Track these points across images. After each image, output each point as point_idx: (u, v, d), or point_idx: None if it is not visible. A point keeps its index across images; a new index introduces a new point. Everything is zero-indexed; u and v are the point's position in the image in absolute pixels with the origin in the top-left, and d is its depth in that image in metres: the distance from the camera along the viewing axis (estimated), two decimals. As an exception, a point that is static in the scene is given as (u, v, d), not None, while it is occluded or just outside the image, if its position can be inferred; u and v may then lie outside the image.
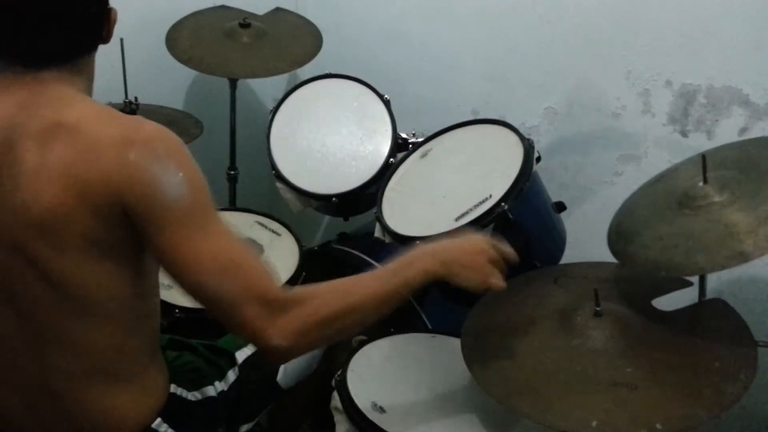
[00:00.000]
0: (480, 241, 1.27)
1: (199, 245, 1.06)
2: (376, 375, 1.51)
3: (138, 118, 1.12)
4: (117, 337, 1.15)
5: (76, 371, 1.14)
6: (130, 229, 1.07)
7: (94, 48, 1.16)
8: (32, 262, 1.07)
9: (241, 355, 1.42)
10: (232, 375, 1.38)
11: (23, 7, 1.07)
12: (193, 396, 1.29)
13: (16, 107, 1.08)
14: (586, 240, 1.88)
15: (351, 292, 1.14)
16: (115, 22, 1.18)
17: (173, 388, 1.26)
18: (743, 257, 1.15)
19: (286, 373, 1.46)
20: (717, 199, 1.25)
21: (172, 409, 1.23)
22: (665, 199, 1.35)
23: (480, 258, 1.24)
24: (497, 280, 1.25)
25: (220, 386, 1.34)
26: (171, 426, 1.22)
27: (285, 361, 1.18)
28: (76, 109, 1.09)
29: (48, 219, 1.04)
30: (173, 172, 1.06)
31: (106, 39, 1.18)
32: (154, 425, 1.20)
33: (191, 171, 1.08)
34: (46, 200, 1.04)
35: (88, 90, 1.17)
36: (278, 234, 1.91)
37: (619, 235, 1.36)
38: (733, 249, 1.16)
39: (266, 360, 1.14)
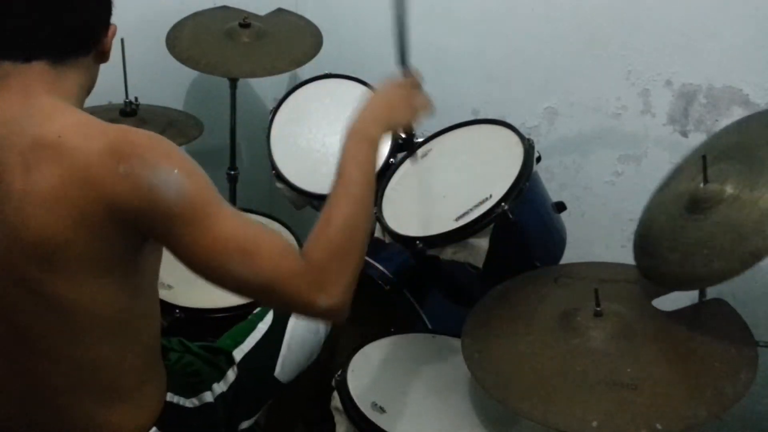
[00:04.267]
0: (393, 83, 1.34)
1: (214, 232, 1.04)
2: (376, 375, 1.51)
3: (122, 127, 1.07)
4: (116, 353, 1.14)
5: (74, 388, 1.13)
6: (131, 242, 1.06)
7: (85, 51, 1.13)
8: (26, 285, 1.04)
9: (239, 353, 1.42)
10: (231, 374, 1.37)
11: None
12: (190, 403, 1.28)
13: (2, 120, 1.05)
14: (586, 240, 1.88)
15: (340, 205, 1.14)
16: (112, 37, 1.16)
17: (170, 396, 1.24)
18: (756, 257, 1.14)
19: (284, 367, 1.46)
20: (719, 198, 1.24)
21: (167, 418, 1.22)
22: (675, 205, 1.33)
23: (401, 93, 1.32)
24: (424, 101, 1.35)
25: (219, 388, 1.34)
26: None
27: (347, 313, 1.12)
28: (57, 122, 1.05)
29: (43, 244, 1.01)
30: (167, 171, 1.03)
31: (102, 52, 1.15)
32: None
33: (185, 165, 1.06)
34: (40, 226, 1.00)
35: (79, 99, 1.14)
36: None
37: (642, 250, 1.35)
38: (745, 250, 1.15)
39: (332, 322, 1.25)
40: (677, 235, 1.28)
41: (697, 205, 1.27)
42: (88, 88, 1.17)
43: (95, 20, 1.14)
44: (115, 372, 1.15)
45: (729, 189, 1.24)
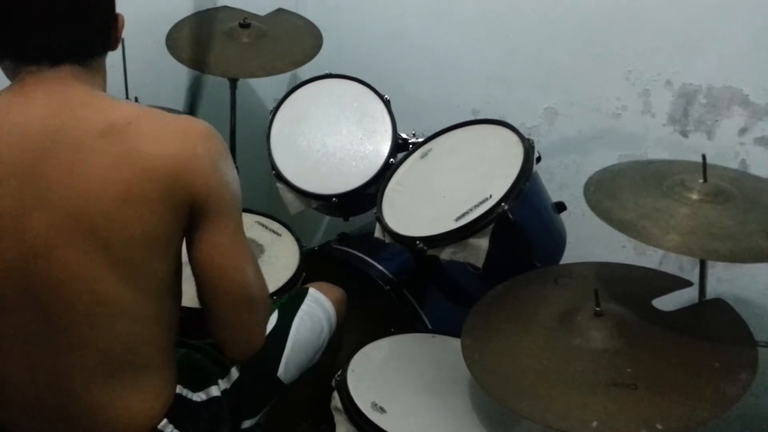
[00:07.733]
0: None
1: (239, 234, 1.18)
2: (376, 375, 1.51)
3: (185, 116, 1.16)
4: (145, 331, 1.16)
5: (96, 370, 1.13)
6: (186, 220, 1.13)
7: (105, 49, 1.18)
8: (92, 253, 1.07)
9: None
10: (234, 372, 1.37)
11: (37, 4, 1.09)
12: (198, 397, 1.28)
13: (47, 109, 1.09)
14: (586, 240, 1.88)
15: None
16: (122, 27, 1.21)
17: (179, 388, 1.26)
18: (716, 255, 1.18)
19: (287, 367, 1.46)
20: (711, 198, 1.27)
21: (177, 410, 1.23)
22: (656, 178, 1.36)
23: None
24: None
25: (223, 384, 1.34)
26: (176, 427, 1.21)
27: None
28: (119, 110, 1.11)
29: (120, 208, 1.06)
30: (232, 167, 1.16)
31: (114, 44, 1.20)
32: (160, 426, 1.20)
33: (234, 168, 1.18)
34: (119, 190, 1.06)
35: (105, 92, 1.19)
36: (278, 234, 1.90)
37: (598, 188, 1.37)
38: (709, 245, 1.18)
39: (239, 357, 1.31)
40: (646, 197, 1.31)
41: (685, 190, 1.30)
42: (106, 81, 1.22)
43: (111, 19, 1.19)
44: (138, 351, 1.16)
45: (721, 199, 1.28)
